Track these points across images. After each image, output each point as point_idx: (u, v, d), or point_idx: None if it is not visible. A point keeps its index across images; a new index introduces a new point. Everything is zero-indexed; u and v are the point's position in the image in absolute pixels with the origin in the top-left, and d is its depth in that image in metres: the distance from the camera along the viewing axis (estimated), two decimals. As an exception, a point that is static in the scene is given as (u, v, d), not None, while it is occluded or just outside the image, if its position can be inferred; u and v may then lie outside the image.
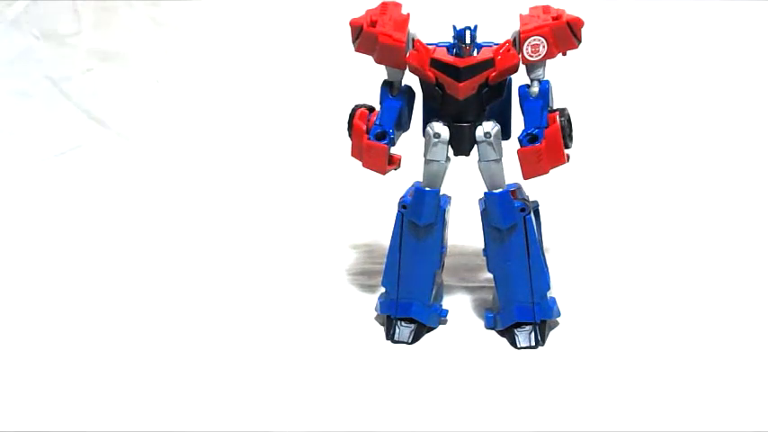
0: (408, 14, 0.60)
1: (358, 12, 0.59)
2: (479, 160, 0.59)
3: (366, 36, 0.59)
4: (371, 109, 0.60)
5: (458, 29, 0.57)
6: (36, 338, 0.60)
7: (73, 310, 0.63)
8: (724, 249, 0.68)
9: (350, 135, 0.60)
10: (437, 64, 0.57)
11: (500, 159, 0.59)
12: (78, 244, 0.71)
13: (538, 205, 0.61)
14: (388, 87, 0.60)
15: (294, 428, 0.52)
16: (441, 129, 0.58)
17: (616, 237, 0.71)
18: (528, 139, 0.57)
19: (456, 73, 0.57)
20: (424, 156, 0.58)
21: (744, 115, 0.86)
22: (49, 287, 0.66)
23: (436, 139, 0.58)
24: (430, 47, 0.59)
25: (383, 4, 0.60)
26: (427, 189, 0.58)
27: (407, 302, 0.60)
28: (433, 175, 0.59)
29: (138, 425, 0.52)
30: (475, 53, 0.58)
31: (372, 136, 0.59)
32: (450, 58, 0.57)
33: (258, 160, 0.82)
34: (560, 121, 0.56)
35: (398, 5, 0.60)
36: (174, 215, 0.75)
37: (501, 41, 0.58)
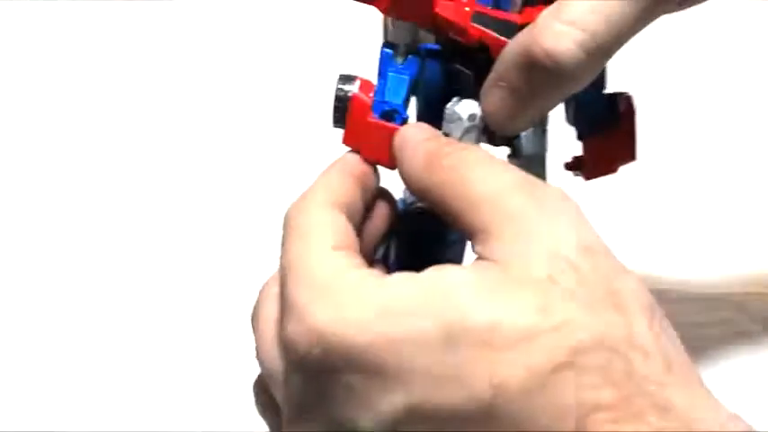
0: None
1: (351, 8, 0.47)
2: (518, 155, 0.45)
3: None
4: (355, 78, 0.44)
5: None
6: (30, 339, 0.60)
7: (69, 311, 0.63)
8: (725, 249, 0.68)
9: (340, 119, 0.44)
10: (485, 19, 0.42)
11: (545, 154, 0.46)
12: (71, 244, 0.71)
13: None
14: (393, 51, 0.44)
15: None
16: (475, 108, 0.42)
17: (616, 238, 0.70)
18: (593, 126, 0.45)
19: (514, 32, 0.41)
20: None
21: (745, 115, 0.86)
22: (42, 287, 0.65)
23: (470, 123, 0.42)
24: None
25: None
26: None
27: None
28: None
29: (137, 425, 0.53)
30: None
31: (379, 116, 0.43)
32: (505, 14, 0.42)
33: (257, 161, 0.81)
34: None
35: None
36: (173, 216, 0.74)
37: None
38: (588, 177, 0.46)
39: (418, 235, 0.45)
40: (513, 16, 0.42)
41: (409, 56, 0.44)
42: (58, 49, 0.92)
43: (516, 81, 0.40)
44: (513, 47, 0.40)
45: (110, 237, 0.72)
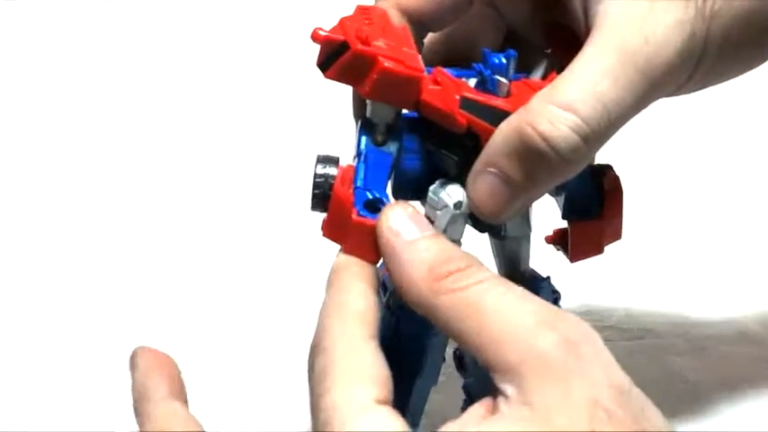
0: (407, 26, 0.41)
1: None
2: (503, 235, 0.43)
3: (356, 59, 0.38)
4: (336, 161, 0.40)
5: (491, 54, 0.39)
6: (30, 339, 0.60)
7: (69, 311, 0.63)
8: (726, 270, 0.67)
9: (319, 204, 0.40)
10: (474, 106, 0.38)
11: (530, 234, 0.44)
12: (62, 245, 0.71)
13: (560, 297, 0.46)
14: (370, 130, 0.40)
15: (294, 429, 0.52)
16: (462, 195, 0.39)
17: (615, 250, 0.70)
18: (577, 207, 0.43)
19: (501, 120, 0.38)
20: None
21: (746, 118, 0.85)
22: (42, 288, 0.65)
23: (456, 211, 0.39)
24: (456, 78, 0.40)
25: (362, 8, 0.40)
26: None
27: None
28: None
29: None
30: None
31: (361, 207, 0.38)
32: (494, 99, 0.39)
33: (257, 167, 0.81)
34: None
35: (383, 12, 0.41)
36: (172, 217, 0.74)
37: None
38: (574, 260, 0.44)
39: (400, 335, 0.42)
40: (504, 103, 0.39)
41: (389, 134, 0.40)
42: (58, 48, 0.92)
43: (507, 167, 0.37)
44: (505, 131, 0.37)
45: (108, 237, 0.72)
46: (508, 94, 0.39)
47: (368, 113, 0.40)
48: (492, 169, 0.38)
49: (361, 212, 0.38)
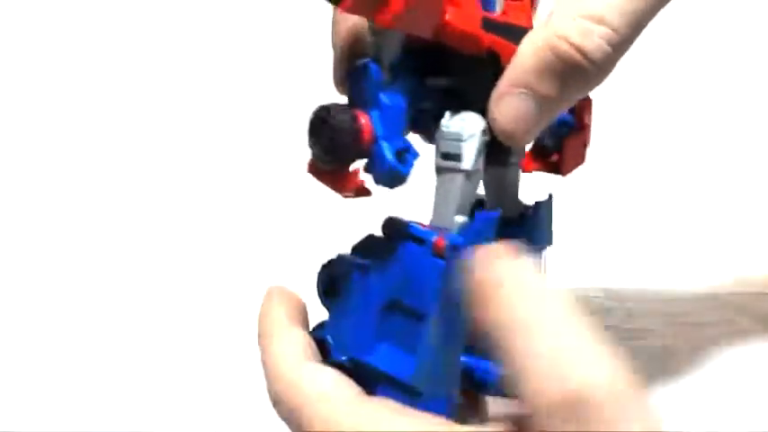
0: None
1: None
2: (510, 162, 0.43)
3: None
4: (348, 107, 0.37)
5: None
6: (31, 340, 0.60)
7: (69, 312, 0.63)
8: (725, 251, 0.67)
9: (345, 154, 0.36)
10: (495, 26, 0.38)
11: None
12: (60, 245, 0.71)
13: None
14: (378, 67, 0.37)
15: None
16: (482, 121, 0.38)
17: (620, 240, 0.70)
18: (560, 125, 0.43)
19: (522, 37, 0.37)
20: (460, 168, 0.38)
21: (746, 114, 0.85)
22: (43, 289, 0.66)
23: (483, 138, 0.38)
24: None
25: None
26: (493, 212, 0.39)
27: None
28: (471, 194, 0.38)
29: (138, 425, 0.53)
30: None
31: (393, 157, 0.36)
32: (507, 17, 0.39)
33: (262, 165, 0.81)
34: None
35: None
36: (173, 218, 0.74)
37: None
38: (566, 173, 0.45)
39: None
40: (516, 19, 0.38)
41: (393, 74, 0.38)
42: (58, 48, 0.92)
43: (539, 84, 0.37)
44: (532, 48, 0.37)
45: (108, 237, 0.72)
46: (504, 12, 0.39)
47: (373, 51, 0.38)
48: (520, 89, 0.37)
49: (393, 165, 0.36)
